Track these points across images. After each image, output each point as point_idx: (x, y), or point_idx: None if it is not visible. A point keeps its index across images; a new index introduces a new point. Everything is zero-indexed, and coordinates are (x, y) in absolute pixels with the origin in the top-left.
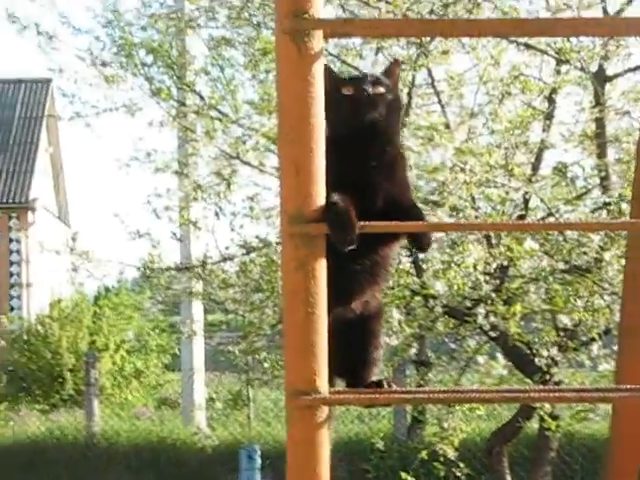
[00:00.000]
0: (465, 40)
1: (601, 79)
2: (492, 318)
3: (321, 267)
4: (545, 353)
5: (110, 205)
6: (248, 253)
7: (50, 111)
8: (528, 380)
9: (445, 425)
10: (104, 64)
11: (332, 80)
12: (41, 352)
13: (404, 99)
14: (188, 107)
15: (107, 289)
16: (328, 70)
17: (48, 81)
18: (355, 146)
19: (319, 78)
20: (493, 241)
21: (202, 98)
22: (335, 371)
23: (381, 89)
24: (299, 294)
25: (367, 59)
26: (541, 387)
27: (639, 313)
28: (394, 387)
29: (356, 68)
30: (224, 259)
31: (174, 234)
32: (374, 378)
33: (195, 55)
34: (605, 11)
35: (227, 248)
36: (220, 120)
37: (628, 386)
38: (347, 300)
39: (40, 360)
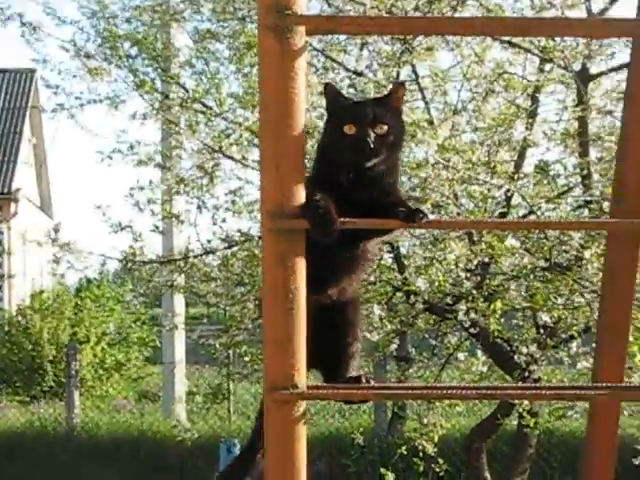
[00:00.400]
0: (449, 37)
1: (584, 78)
2: (473, 315)
3: (301, 262)
4: (525, 350)
5: (93, 197)
6: (230, 247)
7: (34, 102)
8: (508, 377)
9: (425, 421)
10: (88, 56)
11: (332, 102)
12: (22, 343)
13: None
14: (172, 100)
15: (89, 281)
16: (331, 90)
17: (32, 71)
18: (350, 177)
19: (301, 74)
20: (475, 238)
21: (186, 91)
22: (311, 363)
23: (385, 128)
24: (279, 289)
25: (352, 54)
26: (518, 385)
27: (617, 311)
28: (372, 383)
29: (340, 64)
30: (206, 252)
31: (156, 227)
32: (353, 373)
33: (180, 48)
34: (589, 10)
35: (209, 242)
36: (204, 113)
37: (605, 384)
38: (323, 286)
39: (21, 351)
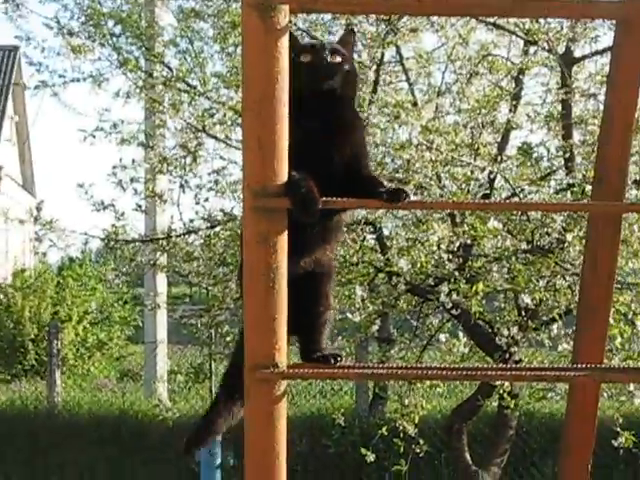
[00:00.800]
0: (434, 18)
1: (568, 61)
2: (454, 296)
3: (283, 242)
4: (506, 332)
5: (76, 175)
6: (213, 227)
7: (17, 79)
8: (489, 358)
9: (406, 402)
10: (71, 33)
11: (292, 46)
12: (3, 322)
13: (372, 76)
14: (156, 79)
15: (71, 260)
16: (290, 36)
17: (15, 48)
18: (313, 110)
19: (285, 53)
20: (457, 220)
21: (170, 70)
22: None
23: (338, 58)
24: (260, 268)
25: (337, 35)
26: (498, 366)
27: (598, 293)
28: (340, 363)
29: None
30: (188, 232)
31: (139, 206)
32: (325, 352)
33: (164, 26)
34: None
35: (192, 221)
36: (188, 92)
37: (584, 365)
38: (298, 257)
39: (2, 330)
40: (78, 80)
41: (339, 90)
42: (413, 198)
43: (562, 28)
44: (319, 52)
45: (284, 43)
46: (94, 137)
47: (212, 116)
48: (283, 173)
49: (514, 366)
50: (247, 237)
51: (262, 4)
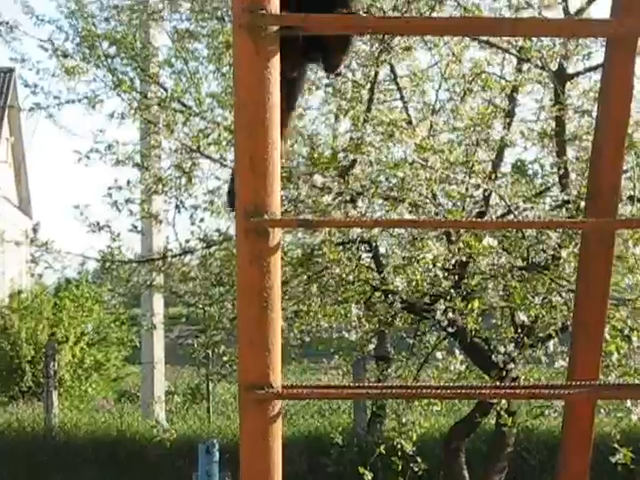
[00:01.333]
0: (427, 37)
1: (561, 78)
2: (450, 314)
3: (276, 261)
4: (502, 349)
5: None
6: (209, 247)
7: (12, 101)
8: (486, 376)
9: (404, 420)
10: (65, 55)
11: None
12: (0, 344)
13: (366, 94)
14: (150, 99)
15: (68, 281)
16: None
17: (10, 70)
18: None
19: (276, 73)
20: (452, 238)
21: (165, 90)
22: None
23: None
24: (254, 288)
25: None
26: (493, 384)
27: (592, 309)
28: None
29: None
30: (184, 252)
31: (134, 227)
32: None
33: (159, 47)
34: (566, 10)
35: (187, 241)
36: (183, 112)
37: (579, 382)
38: None
39: None
40: (73, 101)
41: None
42: (408, 216)
43: (555, 45)
44: None
45: (275, 64)
46: (89, 158)
47: (207, 136)
48: (276, 194)
49: (509, 384)
50: (240, 257)
51: (253, 25)
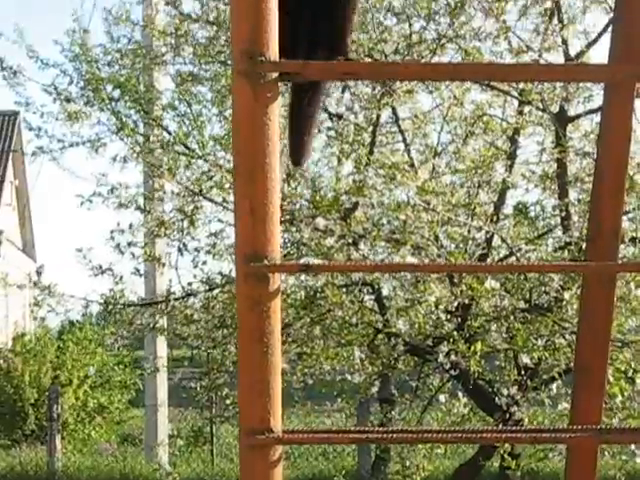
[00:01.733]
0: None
1: (563, 120)
2: (453, 357)
3: (276, 306)
4: (506, 392)
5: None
6: (211, 289)
7: (17, 144)
8: (490, 418)
9: (408, 463)
10: (68, 100)
11: None
12: (3, 387)
13: (368, 137)
14: (153, 143)
15: (71, 323)
16: None
17: (15, 113)
18: None
19: (275, 119)
20: (455, 280)
21: (169, 133)
22: None
23: None
24: (254, 334)
25: (332, 96)
26: (496, 428)
27: (594, 352)
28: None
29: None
30: (187, 295)
31: (137, 270)
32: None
33: (162, 90)
34: (566, 53)
35: (190, 284)
36: (186, 155)
37: (581, 426)
38: None
39: (2, 395)
40: (77, 144)
41: None
42: (411, 259)
43: (555, 88)
44: None
45: (274, 110)
46: (91, 202)
47: (210, 178)
48: (276, 238)
49: (511, 428)
50: (240, 302)
51: (252, 72)
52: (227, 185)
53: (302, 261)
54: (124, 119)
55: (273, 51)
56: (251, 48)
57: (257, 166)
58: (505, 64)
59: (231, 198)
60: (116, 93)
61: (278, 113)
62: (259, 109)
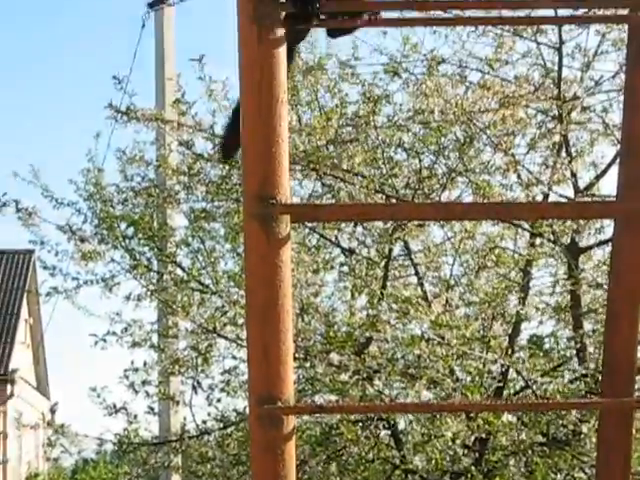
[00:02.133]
0: None
1: (574, 251)
2: None
3: (291, 449)
4: None
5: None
6: (226, 427)
7: (31, 282)
8: None
9: None
10: (82, 240)
11: None
12: None
13: (381, 272)
14: (166, 282)
15: (85, 461)
16: None
17: (30, 252)
18: None
19: (287, 261)
20: (471, 414)
21: (183, 269)
22: None
23: None
24: (268, 476)
25: (345, 231)
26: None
27: None
28: None
29: (332, 242)
30: (201, 433)
31: (151, 409)
32: None
33: (176, 227)
34: (575, 186)
35: (204, 422)
36: (201, 291)
37: None
38: None
39: None
40: (91, 282)
41: None
42: (426, 394)
43: (566, 220)
44: None
45: (286, 252)
46: (105, 342)
47: (224, 314)
48: (289, 379)
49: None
50: (254, 444)
51: (263, 215)
52: (241, 321)
53: (316, 398)
54: (138, 256)
55: (284, 194)
56: (262, 191)
57: (270, 307)
58: (515, 202)
59: (244, 334)
60: (130, 231)
61: (290, 254)
62: (271, 251)
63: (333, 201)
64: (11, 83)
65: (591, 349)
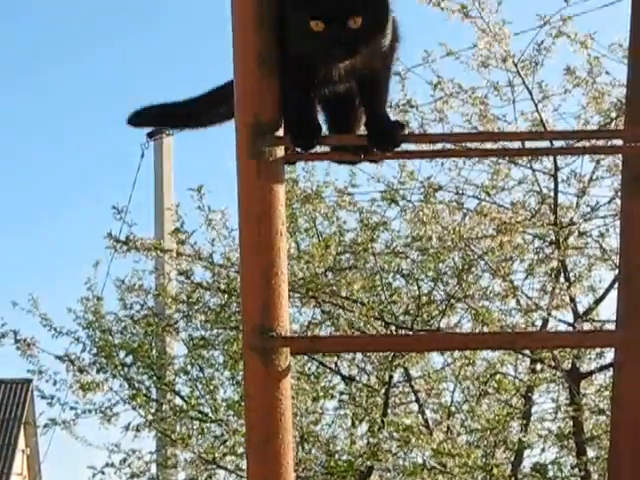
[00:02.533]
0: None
1: (575, 377)
2: None
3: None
4: None
5: None
6: None
7: (29, 411)
8: None
9: None
10: (81, 370)
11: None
12: None
13: (381, 399)
14: (166, 410)
15: None
16: None
17: (28, 381)
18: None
19: (287, 393)
20: None
21: (182, 398)
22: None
23: (359, 20)
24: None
25: (345, 357)
26: None
27: None
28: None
29: (332, 369)
30: None
31: None
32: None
33: (174, 355)
34: (575, 311)
35: None
36: (200, 420)
37: None
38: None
39: None
40: (90, 411)
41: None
42: None
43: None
44: (332, 25)
45: (286, 384)
46: (104, 474)
47: (223, 443)
48: None
49: None
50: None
51: (263, 347)
52: (240, 450)
53: None
54: (137, 385)
55: (284, 326)
56: (262, 324)
57: (270, 443)
58: (515, 333)
59: (244, 465)
60: (129, 359)
61: (290, 384)
62: (271, 384)
63: (332, 328)
64: None
65: (595, 476)
